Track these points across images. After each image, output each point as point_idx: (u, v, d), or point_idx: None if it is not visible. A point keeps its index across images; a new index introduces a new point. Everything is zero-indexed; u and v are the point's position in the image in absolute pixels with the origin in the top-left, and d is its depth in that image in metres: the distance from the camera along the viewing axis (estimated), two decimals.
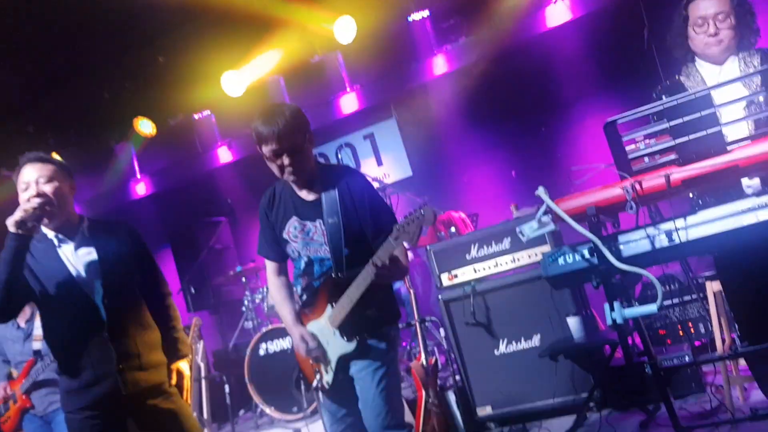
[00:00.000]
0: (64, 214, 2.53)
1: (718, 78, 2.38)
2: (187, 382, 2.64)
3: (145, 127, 6.29)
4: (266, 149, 2.32)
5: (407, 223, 2.18)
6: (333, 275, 2.37)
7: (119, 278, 2.56)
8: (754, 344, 2.31)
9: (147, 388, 2.51)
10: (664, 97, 2.39)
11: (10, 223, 2.32)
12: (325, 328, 2.39)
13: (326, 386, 2.41)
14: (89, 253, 2.56)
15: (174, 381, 2.60)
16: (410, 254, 4.72)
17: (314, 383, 2.43)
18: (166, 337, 2.65)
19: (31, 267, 2.47)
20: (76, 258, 2.54)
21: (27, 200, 2.38)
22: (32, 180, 2.46)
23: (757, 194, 1.91)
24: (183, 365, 2.66)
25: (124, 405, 2.48)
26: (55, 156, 2.60)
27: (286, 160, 2.31)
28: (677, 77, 2.49)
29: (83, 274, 2.52)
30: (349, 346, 2.34)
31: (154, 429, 2.53)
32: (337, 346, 2.37)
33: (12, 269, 2.32)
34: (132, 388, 2.47)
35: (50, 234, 2.54)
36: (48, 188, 2.45)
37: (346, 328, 2.34)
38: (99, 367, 2.44)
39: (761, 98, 2.18)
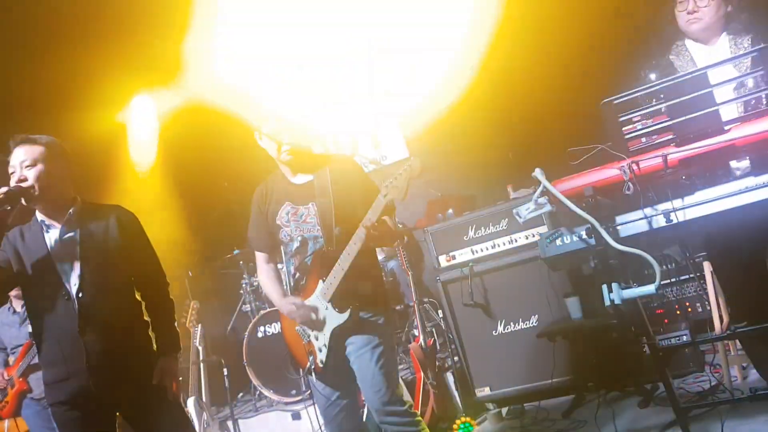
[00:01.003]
0: (52, 197, 2.40)
1: (708, 58, 2.35)
2: (169, 381, 2.46)
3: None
4: (267, 127, 2.46)
5: (395, 178, 2.21)
6: (324, 249, 2.39)
7: (100, 268, 2.40)
8: (743, 324, 2.32)
9: (121, 386, 2.37)
10: (652, 75, 2.38)
11: None
12: (318, 303, 2.40)
13: (320, 366, 2.40)
14: (71, 240, 2.43)
15: (156, 380, 2.42)
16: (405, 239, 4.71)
17: (307, 365, 2.43)
18: (155, 332, 2.53)
19: (19, 251, 2.40)
20: (60, 244, 2.42)
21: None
22: (17, 164, 2.36)
23: (749, 175, 1.90)
24: (168, 363, 2.48)
25: (103, 401, 2.36)
26: (45, 136, 2.43)
27: (285, 138, 2.44)
28: (667, 56, 2.46)
29: (62, 261, 2.39)
30: (342, 317, 2.34)
31: (142, 424, 2.43)
32: (330, 318, 2.37)
33: None
34: (103, 386, 2.33)
35: (40, 217, 2.46)
36: (30, 173, 2.34)
37: (337, 299, 2.35)
38: (71, 361, 2.33)
39: (750, 82, 2.16)
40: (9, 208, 2.28)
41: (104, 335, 2.36)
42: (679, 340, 3.14)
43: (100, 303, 2.37)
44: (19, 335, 4.01)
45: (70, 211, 2.45)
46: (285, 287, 2.54)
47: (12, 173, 2.37)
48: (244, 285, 5.10)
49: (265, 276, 2.63)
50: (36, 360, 3.81)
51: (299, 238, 2.45)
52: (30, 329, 4.00)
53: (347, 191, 2.41)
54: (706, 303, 3.31)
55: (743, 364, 3.14)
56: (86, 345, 2.33)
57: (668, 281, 3.67)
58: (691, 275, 3.59)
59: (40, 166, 2.37)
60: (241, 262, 5.20)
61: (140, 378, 2.41)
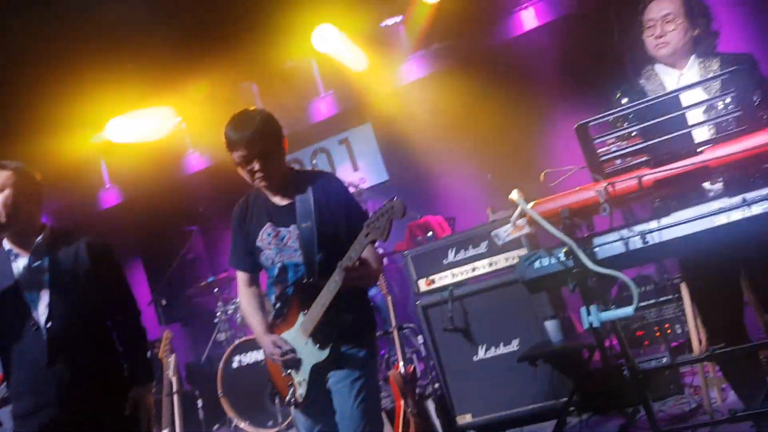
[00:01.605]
0: (19, 224, 2.36)
1: (678, 82, 2.38)
2: (143, 412, 2.43)
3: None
4: (236, 155, 2.29)
5: (376, 218, 2.13)
6: (304, 281, 2.31)
7: (69, 296, 2.37)
8: (720, 345, 2.32)
9: (92, 419, 2.32)
10: (624, 100, 2.41)
11: None
12: (298, 338, 2.32)
13: (300, 399, 2.33)
14: (40, 269, 2.40)
15: (128, 411, 2.38)
16: (385, 260, 4.67)
17: (287, 397, 2.35)
18: (128, 362, 2.49)
19: None
20: (28, 273, 2.39)
21: None
22: None
23: (723, 196, 1.91)
24: (141, 393, 2.44)
25: None
26: (14, 162, 2.40)
27: (256, 166, 2.28)
28: (638, 80, 2.49)
29: (30, 290, 2.37)
30: (322, 354, 2.26)
31: None
32: (310, 355, 2.30)
33: None
34: (74, 418, 2.29)
35: (7, 245, 2.42)
36: None
37: (318, 336, 2.27)
38: (40, 393, 2.30)
39: (720, 104, 2.19)
40: None
41: (75, 365, 2.32)
42: (658, 362, 3.14)
43: (70, 332, 2.34)
44: None
45: (38, 239, 2.41)
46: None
47: None
48: (218, 313, 4.99)
49: (246, 302, 2.49)
50: (6, 394, 3.67)
51: (279, 264, 2.37)
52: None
53: (331, 213, 2.33)
54: (685, 324, 3.33)
55: (722, 386, 3.13)
56: (56, 375, 2.29)
57: (647, 303, 3.70)
58: (669, 297, 3.63)
59: (6, 192, 2.33)
60: (215, 290, 5.10)
61: (113, 409, 2.37)
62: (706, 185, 2.23)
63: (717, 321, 2.44)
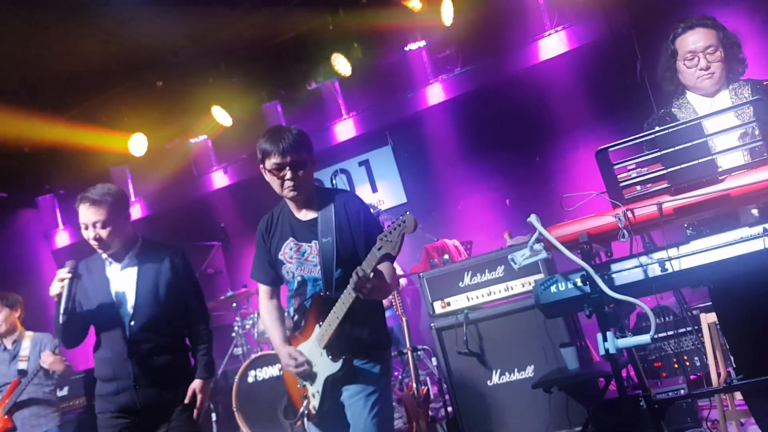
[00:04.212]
0: (119, 243, 2.77)
1: (710, 109, 2.39)
2: (201, 401, 2.77)
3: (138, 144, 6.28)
4: (270, 162, 2.37)
5: (389, 232, 2.17)
6: (322, 294, 2.35)
7: (152, 300, 2.74)
8: (749, 377, 2.27)
9: (158, 404, 2.71)
10: (656, 127, 2.40)
11: (53, 291, 2.64)
12: (314, 349, 2.36)
13: (313, 411, 2.35)
14: (130, 274, 2.78)
15: (188, 399, 2.74)
16: (403, 281, 4.68)
17: (301, 409, 2.37)
18: (195, 357, 2.83)
19: (85, 284, 2.75)
20: (119, 277, 2.79)
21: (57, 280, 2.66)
22: (89, 222, 2.71)
23: (750, 224, 1.90)
24: (200, 385, 2.78)
25: (143, 416, 2.70)
26: (109, 191, 2.76)
27: (288, 174, 2.36)
28: (670, 109, 2.50)
29: (120, 292, 2.76)
30: (335, 366, 2.29)
31: None
32: (324, 366, 2.33)
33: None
34: (143, 404, 2.69)
35: (104, 255, 2.81)
36: (103, 233, 2.71)
37: (332, 348, 2.31)
38: (121, 381, 2.71)
39: (757, 130, 2.17)
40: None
41: (149, 360, 2.71)
42: (675, 393, 3.08)
43: (148, 331, 2.73)
44: (8, 372, 3.93)
45: (135, 246, 2.83)
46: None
47: (85, 228, 2.73)
48: (236, 327, 5.02)
49: (266, 314, 2.56)
50: (23, 397, 3.76)
51: (299, 278, 2.42)
52: (19, 366, 3.95)
53: (350, 231, 2.38)
54: (705, 356, 3.27)
55: (741, 420, 3.06)
56: (132, 367, 2.69)
57: (665, 334, 3.65)
58: (689, 328, 3.57)
59: (109, 228, 2.72)
60: (234, 304, 5.14)
61: (177, 398, 2.75)
62: (740, 213, 2.20)
63: (745, 352, 2.38)
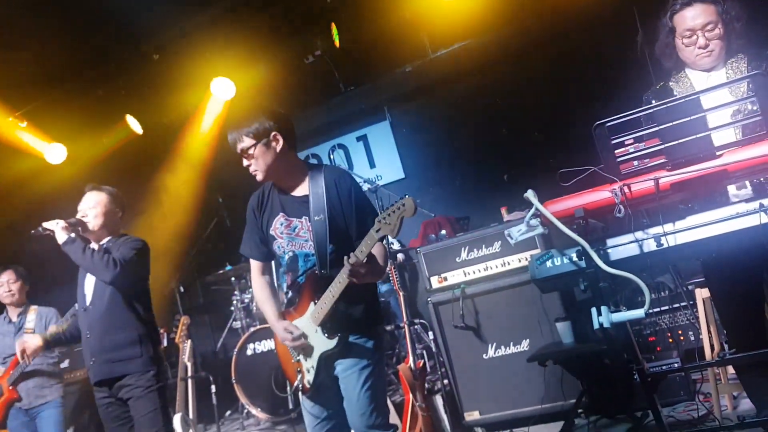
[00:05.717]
0: (102, 235, 3.09)
1: (707, 84, 2.35)
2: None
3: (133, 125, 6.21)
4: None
5: (388, 215, 2.18)
6: (316, 272, 2.37)
7: (103, 285, 2.96)
8: (741, 351, 2.30)
9: (111, 380, 2.96)
10: (653, 101, 2.38)
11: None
12: (309, 326, 2.38)
13: (307, 386, 2.38)
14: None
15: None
16: (400, 256, 4.69)
17: (295, 383, 2.40)
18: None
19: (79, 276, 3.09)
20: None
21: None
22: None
23: (746, 200, 1.90)
24: None
25: (108, 390, 2.98)
26: (110, 188, 3.16)
27: (245, 162, 2.46)
28: (667, 83, 2.47)
29: (85, 278, 3.07)
30: (330, 344, 2.32)
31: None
32: (319, 343, 2.35)
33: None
34: (96, 380, 2.99)
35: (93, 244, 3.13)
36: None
37: (327, 325, 2.33)
38: (87, 359, 3.03)
39: (749, 105, 2.15)
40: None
41: (99, 339, 2.97)
42: (668, 367, 3.12)
43: (100, 313, 2.97)
44: (13, 344, 3.97)
45: (105, 240, 3.14)
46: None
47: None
48: (235, 301, 5.06)
49: (259, 290, 2.57)
50: (28, 368, 3.82)
51: (290, 253, 2.43)
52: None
53: (342, 209, 2.39)
54: (699, 331, 3.31)
55: (734, 393, 3.11)
56: (91, 347, 3.00)
57: (660, 309, 3.68)
58: (684, 303, 3.60)
59: (98, 209, 3.10)
60: (233, 278, 5.17)
61: (127, 374, 2.97)
62: (731, 190, 2.19)
63: (739, 327, 2.40)
